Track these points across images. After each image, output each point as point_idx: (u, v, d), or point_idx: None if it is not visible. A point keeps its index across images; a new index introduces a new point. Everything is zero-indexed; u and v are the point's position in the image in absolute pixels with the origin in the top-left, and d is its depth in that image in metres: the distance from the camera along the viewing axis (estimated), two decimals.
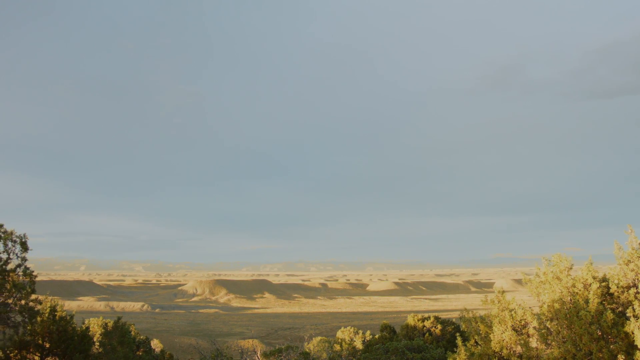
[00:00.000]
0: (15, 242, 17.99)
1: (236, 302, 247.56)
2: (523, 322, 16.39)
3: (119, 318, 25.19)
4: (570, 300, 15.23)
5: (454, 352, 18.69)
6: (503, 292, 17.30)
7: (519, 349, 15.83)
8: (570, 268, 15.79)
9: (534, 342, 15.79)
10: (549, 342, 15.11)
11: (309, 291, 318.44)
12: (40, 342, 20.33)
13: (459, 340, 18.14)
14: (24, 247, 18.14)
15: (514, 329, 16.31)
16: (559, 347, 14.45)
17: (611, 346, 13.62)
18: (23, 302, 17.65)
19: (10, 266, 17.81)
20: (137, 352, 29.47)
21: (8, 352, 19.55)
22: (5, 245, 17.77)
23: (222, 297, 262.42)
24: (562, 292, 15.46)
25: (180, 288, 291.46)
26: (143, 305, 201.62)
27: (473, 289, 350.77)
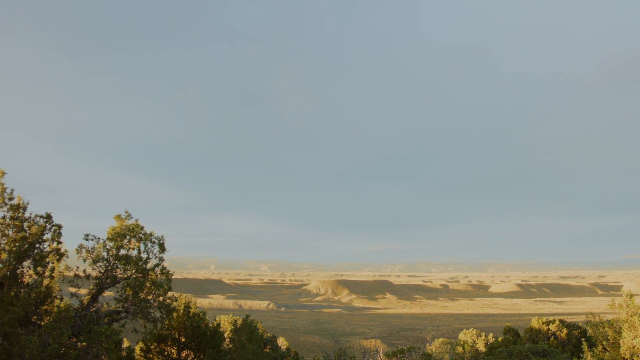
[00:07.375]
0: (154, 242, 19.46)
1: (358, 302, 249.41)
2: None
3: (247, 316, 26.22)
4: None
5: (580, 357, 18.08)
6: (632, 295, 16.44)
7: None
8: None
9: None
10: None
11: (430, 292, 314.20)
12: (176, 336, 21.89)
13: (585, 346, 17.46)
14: (162, 248, 19.57)
15: None
16: None
17: None
18: (161, 298, 19.01)
19: (149, 265, 19.29)
20: (265, 349, 30.64)
21: (149, 344, 21.40)
22: (145, 245, 19.32)
23: (345, 297, 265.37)
24: None
25: (304, 288, 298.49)
26: (269, 304, 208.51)
27: (600, 291, 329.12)
